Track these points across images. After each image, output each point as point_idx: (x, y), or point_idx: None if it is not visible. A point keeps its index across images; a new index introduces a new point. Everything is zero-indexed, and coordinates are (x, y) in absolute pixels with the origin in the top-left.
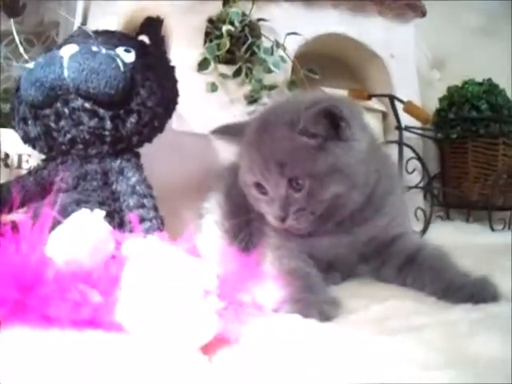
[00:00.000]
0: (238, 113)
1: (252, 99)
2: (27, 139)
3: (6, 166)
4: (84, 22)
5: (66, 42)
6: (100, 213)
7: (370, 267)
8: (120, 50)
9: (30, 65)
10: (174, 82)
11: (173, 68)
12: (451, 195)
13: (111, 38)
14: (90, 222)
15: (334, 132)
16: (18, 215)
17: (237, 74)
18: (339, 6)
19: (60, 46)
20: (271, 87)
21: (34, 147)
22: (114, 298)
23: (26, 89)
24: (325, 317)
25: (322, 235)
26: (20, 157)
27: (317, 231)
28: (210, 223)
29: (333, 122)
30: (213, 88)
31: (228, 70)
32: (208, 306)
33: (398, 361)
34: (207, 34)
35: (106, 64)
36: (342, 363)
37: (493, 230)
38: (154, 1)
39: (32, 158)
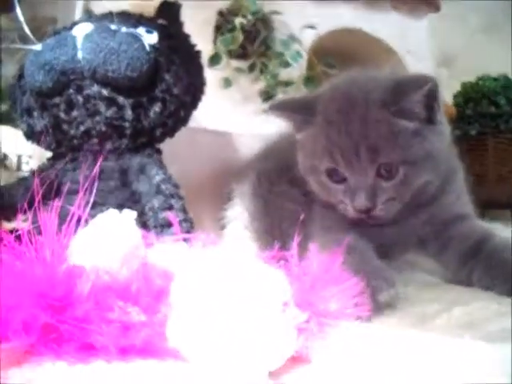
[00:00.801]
0: (253, 110)
1: (267, 96)
2: (32, 134)
3: (5, 167)
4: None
5: (77, 23)
6: (131, 213)
7: (431, 251)
8: (141, 30)
9: (38, 46)
10: (200, 67)
11: (198, 53)
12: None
13: (130, 18)
14: (119, 224)
15: (426, 114)
16: (21, 223)
17: (251, 68)
18: (352, 0)
19: (71, 27)
20: (287, 83)
21: (39, 143)
22: (162, 316)
23: (32, 74)
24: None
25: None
26: (20, 158)
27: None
28: (236, 230)
29: (429, 104)
30: (226, 84)
31: (241, 65)
32: (287, 321)
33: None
34: (217, 27)
35: (128, 44)
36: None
37: None
38: None
39: (33, 159)
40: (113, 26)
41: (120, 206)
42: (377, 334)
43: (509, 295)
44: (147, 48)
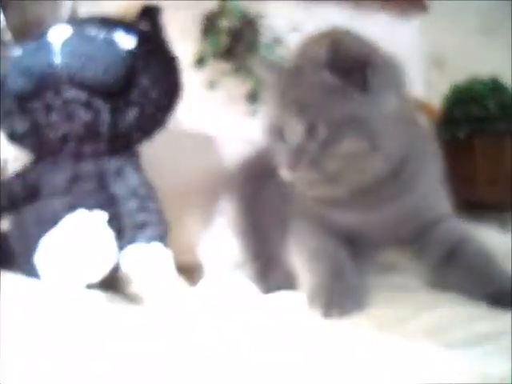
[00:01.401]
0: (239, 112)
1: (252, 98)
2: (13, 136)
3: None
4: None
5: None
6: (102, 214)
7: (411, 253)
8: (119, 35)
9: (18, 51)
10: (178, 71)
11: (176, 58)
12: (456, 196)
13: (108, 22)
14: (89, 225)
15: (360, 80)
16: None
17: (237, 70)
18: (341, 1)
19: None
20: None
21: (21, 145)
22: None
23: (12, 78)
24: (346, 312)
25: (346, 207)
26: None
27: (337, 200)
28: (221, 225)
29: (361, 68)
30: (211, 85)
31: (226, 67)
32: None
33: (460, 376)
34: (204, 29)
35: (104, 49)
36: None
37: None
38: None
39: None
40: (90, 31)
41: (98, 208)
42: (342, 333)
43: (482, 300)
44: (124, 54)
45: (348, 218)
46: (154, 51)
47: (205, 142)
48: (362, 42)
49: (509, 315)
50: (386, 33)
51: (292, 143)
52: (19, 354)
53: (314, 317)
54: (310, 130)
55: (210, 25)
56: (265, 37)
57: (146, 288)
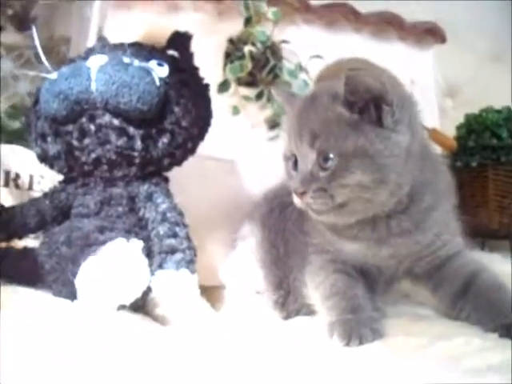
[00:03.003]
0: (259, 137)
1: (274, 124)
2: (45, 158)
3: (17, 186)
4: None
5: (91, 52)
6: (138, 243)
7: (427, 288)
8: (153, 64)
9: (53, 75)
10: (209, 100)
11: (207, 86)
12: (468, 224)
13: (142, 50)
14: (127, 254)
15: (374, 115)
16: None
17: (258, 97)
18: (360, 30)
19: (86, 57)
20: None
21: (51, 167)
22: None
23: (47, 101)
24: (365, 340)
25: (359, 240)
26: (31, 177)
27: (350, 233)
28: (243, 251)
29: (376, 103)
30: (235, 111)
31: (248, 92)
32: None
33: None
34: (227, 54)
35: (139, 77)
36: None
37: None
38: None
39: (44, 179)
40: (126, 59)
41: (127, 232)
42: (360, 359)
43: (495, 331)
44: (158, 82)
45: (361, 252)
46: (186, 80)
47: (227, 167)
48: (377, 75)
49: None
50: (403, 61)
51: (303, 171)
52: (51, 372)
53: (333, 344)
54: (322, 160)
55: (233, 50)
56: (287, 63)
57: (172, 312)
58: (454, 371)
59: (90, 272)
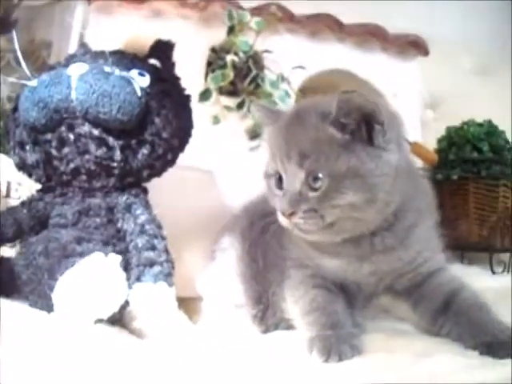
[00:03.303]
0: (240, 147)
1: (254, 134)
2: (23, 166)
3: None
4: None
5: (72, 60)
6: (116, 258)
7: (407, 303)
8: (134, 73)
9: (33, 82)
10: (190, 111)
11: (188, 97)
12: (448, 236)
13: (123, 59)
14: (104, 268)
15: (366, 134)
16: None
17: (240, 106)
18: (344, 40)
19: (66, 64)
20: None
21: (30, 175)
22: None
23: (26, 109)
24: (344, 356)
25: (339, 256)
26: (9, 184)
27: (331, 249)
28: (223, 264)
29: (367, 123)
30: (215, 121)
31: (230, 102)
32: None
33: None
34: (209, 63)
35: (120, 87)
36: None
37: (493, 272)
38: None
39: (22, 186)
40: (107, 68)
41: (105, 243)
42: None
43: (477, 349)
44: (139, 92)
45: (342, 268)
46: (167, 90)
47: (206, 178)
48: (368, 96)
49: (508, 365)
50: (386, 72)
51: (291, 190)
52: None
53: (312, 360)
54: (311, 180)
55: (215, 59)
56: (269, 73)
57: (149, 325)
58: None
59: (68, 285)
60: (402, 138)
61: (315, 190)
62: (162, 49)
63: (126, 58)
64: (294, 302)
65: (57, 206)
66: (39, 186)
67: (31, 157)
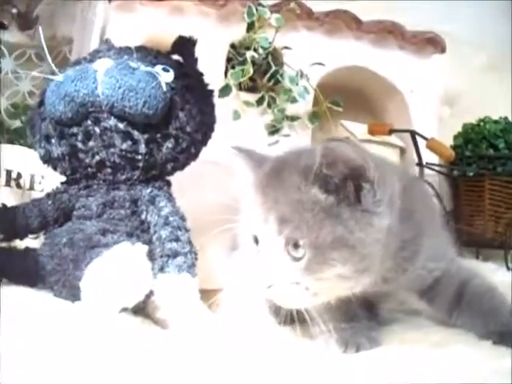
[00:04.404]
0: (258, 143)
1: (273, 129)
2: (48, 159)
3: (18, 186)
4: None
5: (97, 55)
6: (142, 247)
7: (422, 300)
8: (158, 68)
9: (59, 77)
10: (213, 106)
11: (211, 92)
12: (463, 233)
13: (148, 55)
14: (131, 257)
15: (353, 194)
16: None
17: (259, 102)
18: (361, 38)
19: (91, 60)
20: (293, 118)
21: (54, 168)
22: None
23: (52, 103)
24: (362, 347)
25: None
26: (33, 177)
27: None
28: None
29: (354, 180)
30: (235, 116)
31: (249, 97)
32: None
33: None
34: (229, 59)
35: (146, 82)
36: None
37: (508, 268)
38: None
39: (45, 179)
40: (132, 64)
41: (129, 234)
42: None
43: (488, 339)
44: (164, 87)
45: None
46: (191, 85)
47: (227, 171)
48: (358, 149)
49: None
50: (402, 70)
51: (269, 261)
52: (51, 373)
53: (329, 351)
54: (291, 248)
55: (235, 55)
56: (289, 68)
57: (172, 315)
58: (454, 379)
59: (95, 274)
60: (395, 193)
61: (297, 259)
62: (185, 45)
63: (150, 54)
64: None
65: (81, 198)
66: (63, 179)
67: (57, 150)
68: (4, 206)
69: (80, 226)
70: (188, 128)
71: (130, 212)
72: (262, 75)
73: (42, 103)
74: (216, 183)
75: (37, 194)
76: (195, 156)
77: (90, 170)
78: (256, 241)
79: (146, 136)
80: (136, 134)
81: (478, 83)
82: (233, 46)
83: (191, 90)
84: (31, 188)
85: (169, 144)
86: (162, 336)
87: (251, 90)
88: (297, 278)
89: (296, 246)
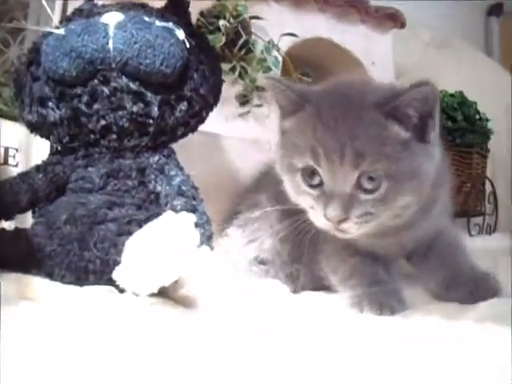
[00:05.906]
0: (230, 113)
1: (244, 99)
2: (41, 125)
3: None
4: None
5: (96, 9)
6: (191, 217)
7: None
8: (171, 25)
9: (60, 31)
10: (220, 68)
11: (218, 54)
12: None
13: (153, 11)
14: (180, 228)
15: (420, 129)
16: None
17: (231, 71)
18: (326, 11)
19: (96, 13)
20: (263, 88)
21: (48, 136)
22: None
23: (53, 60)
24: (396, 310)
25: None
26: (7, 150)
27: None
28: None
29: (425, 117)
30: None
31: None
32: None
33: None
34: (198, 27)
35: (163, 38)
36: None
37: (470, 234)
38: None
39: (20, 152)
40: (146, 18)
41: (138, 207)
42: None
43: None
44: (181, 44)
45: (370, 243)
46: (203, 46)
47: (212, 141)
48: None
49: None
50: (364, 43)
51: (339, 193)
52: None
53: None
54: (365, 181)
55: (205, 24)
56: (258, 39)
57: (198, 291)
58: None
59: (137, 249)
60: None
61: (370, 192)
62: (178, 6)
63: (155, 11)
64: (333, 271)
65: (79, 169)
66: (39, 152)
67: (54, 113)
68: None
69: (80, 200)
70: (201, 90)
71: (136, 182)
72: (231, 45)
73: (31, 62)
74: (199, 152)
75: (11, 169)
76: (203, 121)
77: (92, 136)
78: (307, 174)
79: (159, 98)
80: (149, 95)
81: (423, 58)
82: (202, 13)
83: (203, 50)
84: (5, 163)
85: (182, 107)
86: (188, 315)
87: (221, 59)
88: (369, 208)
89: (371, 178)
